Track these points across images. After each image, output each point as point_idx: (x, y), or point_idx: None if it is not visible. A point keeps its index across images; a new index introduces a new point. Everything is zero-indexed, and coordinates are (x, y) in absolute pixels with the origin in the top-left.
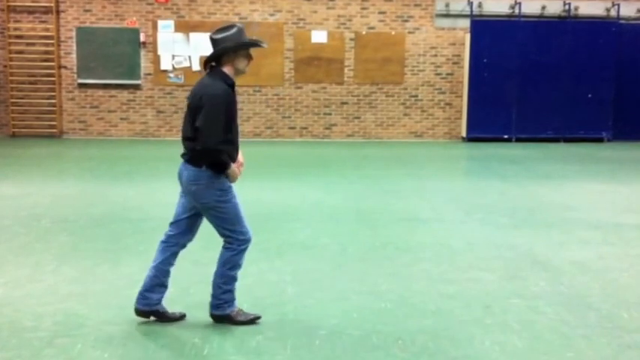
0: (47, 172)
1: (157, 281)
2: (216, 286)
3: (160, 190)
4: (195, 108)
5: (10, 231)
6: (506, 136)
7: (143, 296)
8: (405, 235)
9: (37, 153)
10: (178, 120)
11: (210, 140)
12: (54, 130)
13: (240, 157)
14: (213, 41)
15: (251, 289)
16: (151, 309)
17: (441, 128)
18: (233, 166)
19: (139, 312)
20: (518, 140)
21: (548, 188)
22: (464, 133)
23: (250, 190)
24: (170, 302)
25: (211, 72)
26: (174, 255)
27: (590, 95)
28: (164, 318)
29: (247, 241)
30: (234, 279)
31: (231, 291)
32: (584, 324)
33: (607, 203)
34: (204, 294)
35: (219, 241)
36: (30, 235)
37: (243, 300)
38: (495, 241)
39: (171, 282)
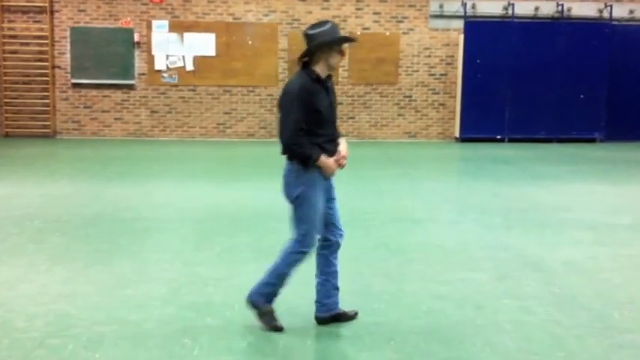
0: (40, 172)
1: (330, 285)
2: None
3: (154, 190)
4: (278, 105)
5: (2, 231)
6: (499, 137)
7: (322, 304)
8: (398, 236)
9: (30, 153)
10: (172, 120)
11: (283, 135)
12: (47, 130)
13: (343, 148)
14: (309, 37)
15: (243, 289)
16: (331, 314)
17: (434, 128)
18: (324, 157)
19: (321, 320)
20: (511, 141)
21: (541, 189)
22: (457, 134)
23: (244, 190)
24: (161, 302)
25: (300, 69)
26: (333, 254)
27: (582, 96)
28: (344, 318)
29: (305, 246)
30: (277, 277)
31: (271, 285)
32: (576, 324)
33: (600, 204)
34: (195, 294)
35: (211, 243)
36: (23, 236)
37: (235, 300)
38: (488, 242)
39: (163, 282)
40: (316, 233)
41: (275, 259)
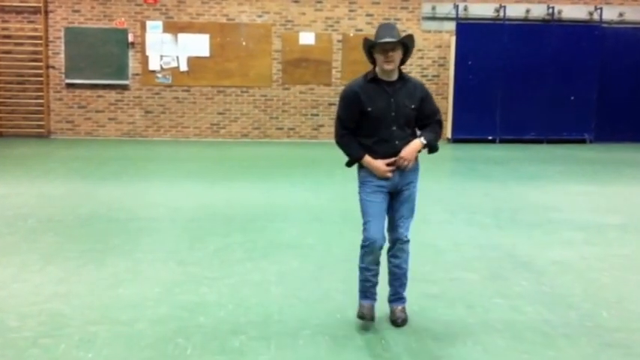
0: (34, 172)
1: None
2: None
3: (147, 190)
4: None
5: None
6: (490, 138)
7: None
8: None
9: (24, 153)
10: (166, 120)
11: (335, 135)
12: (42, 130)
13: (405, 151)
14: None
15: (236, 288)
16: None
17: None
18: (368, 158)
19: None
20: (502, 141)
21: (531, 189)
22: (449, 134)
23: (238, 190)
24: (155, 302)
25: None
26: (389, 252)
27: (572, 97)
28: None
29: (364, 240)
30: (359, 271)
31: (360, 282)
32: (566, 323)
33: (589, 204)
34: (188, 294)
35: (205, 242)
36: (16, 235)
37: (228, 300)
38: (479, 242)
39: (156, 282)
40: (373, 228)
41: None
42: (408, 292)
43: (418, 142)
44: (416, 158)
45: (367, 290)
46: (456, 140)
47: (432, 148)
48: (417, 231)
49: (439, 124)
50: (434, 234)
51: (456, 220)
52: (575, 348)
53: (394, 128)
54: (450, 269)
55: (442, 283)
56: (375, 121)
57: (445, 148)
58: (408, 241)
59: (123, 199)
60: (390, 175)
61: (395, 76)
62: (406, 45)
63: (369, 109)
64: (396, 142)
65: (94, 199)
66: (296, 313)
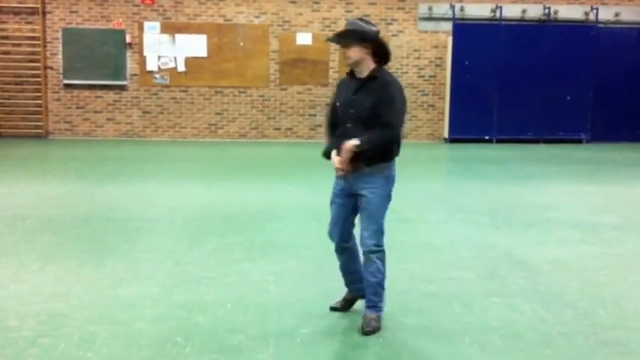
0: (33, 173)
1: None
2: None
3: (145, 190)
4: None
5: None
6: (487, 137)
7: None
8: (387, 235)
9: (22, 153)
10: (164, 120)
11: None
12: (40, 131)
13: (347, 144)
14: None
15: (234, 288)
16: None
17: (424, 130)
18: (333, 152)
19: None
20: (499, 141)
21: (527, 188)
22: (446, 135)
23: (236, 190)
24: (153, 301)
25: None
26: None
27: (569, 97)
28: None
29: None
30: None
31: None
32: (562, 321)
33: (585, 203)
34: (187, 293)
35: (203, 242)
36: (14, 235)
37: (227, 299)
38: (476, 241)
39: (154, 281)
40: (330, 229)
41: None
42: (385, 303)
43: (349, 143)
44: (375, 163)
45: (346, 282)
46: (452, 140)
47: (362, 150)
48: (414, 230)
49: (386, 128)
50: (431, 233)
51: (453, 220)
52: (571, 346)
53: (349, 125)
54: (446, 268)
55: (439, 282)
56: (340, 115)
57: (442, 148)
58: (375, 251)
59: (121, 200)
60: (340, 172)
61: (364, 73)
62: (370, 40)
63: (337, 102)
64: (347, 141)
65: (92, 199)
66: (294, 312)
